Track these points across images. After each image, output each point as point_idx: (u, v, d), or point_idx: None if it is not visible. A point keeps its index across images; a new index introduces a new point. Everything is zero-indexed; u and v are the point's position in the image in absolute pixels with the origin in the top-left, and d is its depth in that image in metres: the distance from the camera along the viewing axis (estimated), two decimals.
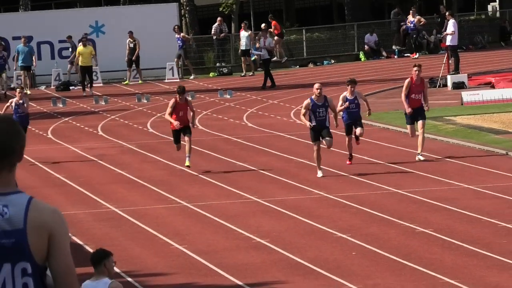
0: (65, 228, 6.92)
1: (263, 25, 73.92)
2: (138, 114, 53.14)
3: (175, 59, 65.14)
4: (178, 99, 31.33)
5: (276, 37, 73.38)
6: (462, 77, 55.91)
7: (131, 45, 64.20)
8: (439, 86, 55.71)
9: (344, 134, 33.82)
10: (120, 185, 37.77)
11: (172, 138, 32.98)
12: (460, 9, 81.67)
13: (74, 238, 28.26)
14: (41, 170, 38.42)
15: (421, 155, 33.19)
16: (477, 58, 68.55)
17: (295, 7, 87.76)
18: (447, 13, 70.05)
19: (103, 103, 56.63)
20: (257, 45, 63.64)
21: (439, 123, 46.14)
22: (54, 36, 66.16)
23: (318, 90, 29.20)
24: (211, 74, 68.73)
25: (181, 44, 65.05)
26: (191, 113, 31.66)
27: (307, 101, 29.35)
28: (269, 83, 59.53)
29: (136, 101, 57.01)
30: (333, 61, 73.51)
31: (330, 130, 31.04)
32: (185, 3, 77.67)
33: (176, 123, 32.07)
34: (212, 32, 71.36)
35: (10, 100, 35.77)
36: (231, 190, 36.41)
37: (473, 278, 23.92)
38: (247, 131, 48.29)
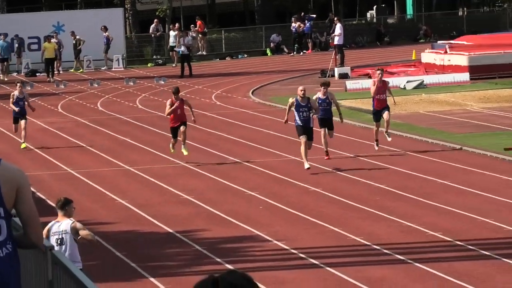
0: (28, 183, 7.49)
1: (192, 26, 74.28)
2: (90, 96, 53.05)
3: (104, 53, 65.20)
4: (173, 98, 29.56)
5: (200, 35, 74.02)
6: (346, 69, 56.58)
7: (73, 42, 64.11)
8: (328, 76, 54.52)
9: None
10: (75, 152, 37.50)
11: (171, 134, 30.28)
12: (345, 15, 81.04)
13: (38, 193, 27.84)
14: (14, 141, 38.18)
15: (387, 133, 31.55)
16: (358, 54, 69.46)
17: (217, 12, 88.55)
18: (335, 18, 70.50)
19: (63, 86, 56.56)
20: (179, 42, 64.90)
21: None
22: (25, 33, 65.83)
23: (302, 92, 27.28)
24: (149, 65, 69.42)
25: (105, 41, 64.93)
26: (190, 109, 29.76)
27: (292, 99, 27.60)
28: (187, 72, 59.98)
29: (89, 85, 56.74)
30: (246, 55, 74.55)
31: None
32: (128, 8, 77.43)
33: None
34: (150, 31, 72.11)
35: (12, 94, 34.35)
36: (163, 156, 35.79)
37: (352, 226, 24.20)
38: None
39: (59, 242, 15.57)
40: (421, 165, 34.48)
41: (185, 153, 30.56)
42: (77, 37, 65.72)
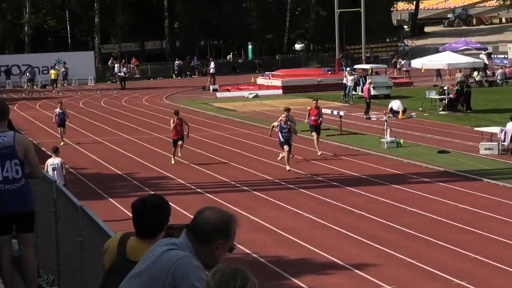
0: (32, 145, 7.97)
1: (131, 61, 71.01)
2: (76, 99, 49.65)
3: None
4: (175, 118, 24.54)
5: (136, 66, 70.13)
6: (216, 86, 53.57)
7: (63, 69, 60.58)
8: (207, 90, 53.29)
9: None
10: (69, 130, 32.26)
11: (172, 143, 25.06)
12: (216, 56, 76.83)
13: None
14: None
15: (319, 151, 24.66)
16: (222, 79, 62.79)
17: (146, 54, 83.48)
18: (210, 58, 67.07)
19: (61, 93, 53.63)
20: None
21: (205, 105, 43.69)
22: (41, 64, 62.90)
23: (285, 118, 22.35)
24: (108, 82, 64.97)
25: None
26: (186, 127, 24.79)
27: (276, 123, 22.75)
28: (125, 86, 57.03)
29: (75, 93, 53.96)
30: (161, 78, 69.26)
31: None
32: (97, 51, 73.09)
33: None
34: (109, 63, 67.63)
35: (55, 111, 29.82)
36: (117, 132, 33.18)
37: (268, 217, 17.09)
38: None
39: (53, 169, 15.75)
40: (252, 138, 31.05)
41: (179, 154, 24.62)
42: (67, 66, 61.48)
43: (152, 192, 16.56)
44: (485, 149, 24.95)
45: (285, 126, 21.92)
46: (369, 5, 69.17)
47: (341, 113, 31.20)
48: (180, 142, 23.92)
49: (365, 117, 34.72)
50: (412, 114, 34.55)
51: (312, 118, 25.93)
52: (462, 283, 11.98)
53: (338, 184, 20.86)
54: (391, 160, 24.65)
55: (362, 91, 39.19)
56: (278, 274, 12.73)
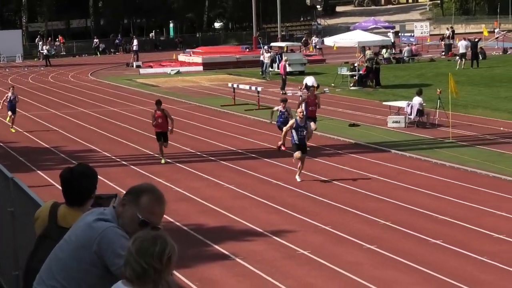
0: None
1: (57, 39, 69.92)
2: (4, 76, 48.64)
3: None
4: (156, 109, 20.04)
5: (62, 44, 69.04)
6: (139, 63, 52.82)
7: None
8: (131, 67, 52.77)
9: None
10: None
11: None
12: (139, 35, 75.60)
13: None
14: None
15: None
16: (145, 55, 62.51)
17: (71, 32, 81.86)
18: (133, 36, 66.41)
19: None
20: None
21: (129, 81, 42.84)
22: None
23: (302, 113, 17.85)
24: (35, 59, 63.33)
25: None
26: (170, 120, 20.00)
27: (292, 121, 17.90)
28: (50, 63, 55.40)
29: (4, 70, 52.43)
30: (86, 55, 68.02)
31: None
32: (24, 29, 72.57)
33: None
34: (36, 41, 66.85)
35: (6, 95, 25.75)
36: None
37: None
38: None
39: None
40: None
41: (163, 162, 19.83)
42: None
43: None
44: (393, 122, 25.13)
45: (302, 124, 17.24)
46: None
47: (259, 88, 31.11)
48: (164, 143, 19.50)
49: (281, 92, 34.54)
50: (325, 89, 34.54)
51: (310, 108, 21.97)
52: (372, 247, 12.17)
53: (257, 156, 20.80)
54: None
55: (278, 68, 39.18)
56: (200, 241, 12.73)
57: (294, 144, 17.30)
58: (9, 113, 25.12)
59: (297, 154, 17.03)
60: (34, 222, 4.64)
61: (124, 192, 3.68)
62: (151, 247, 3.01)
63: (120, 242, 3.49)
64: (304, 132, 17.26)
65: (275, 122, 21.22)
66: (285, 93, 33.88)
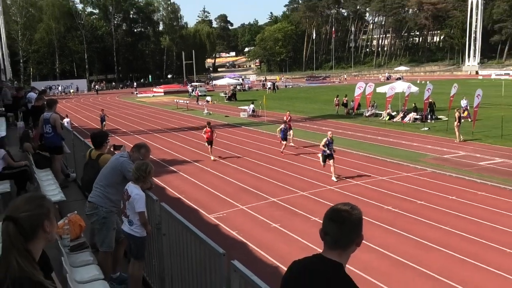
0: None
1: None
2: None
3: None
4: (207, 127, 22.97)
5: None
6: (137, 92, 71.67)
7: None
8: (133, 93, 72.67)
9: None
10: None
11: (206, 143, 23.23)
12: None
13: None
14: None
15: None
16: (141, 89, 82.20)
17: None
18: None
19: None
20: None
21: (133, 99, 57.39)
22: None
23: (331, 135, 19.02)
24: None
25: None
26: (214, 135, 22.90)
27: (325, 139, 18.80)
28: None
29: None
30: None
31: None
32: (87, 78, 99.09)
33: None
34: None
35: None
36: None
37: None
38: None
39: None
40: None
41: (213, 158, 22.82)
42: None
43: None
44: (242, 115, 33.77)
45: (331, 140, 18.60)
46: None
47: (187, 101, 43.07)
48: (211, 146, 23.18)
49: (197, 103, 49.49)
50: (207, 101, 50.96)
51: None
52: (276, 225, 13.31)
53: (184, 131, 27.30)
54: None
55: (194, 93, 60.79)
56: None
57: (324, 155, 18.68)
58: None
59: (329, 162, 18.70)
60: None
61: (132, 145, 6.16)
62: (141, 167, 5.32)
63: (130, 166, 6.01)
64: (332, 146, 18.78)
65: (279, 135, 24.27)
66: (199, 104, 48.34)
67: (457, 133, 26.30)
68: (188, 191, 16.61)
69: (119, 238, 6.82)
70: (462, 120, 27.94)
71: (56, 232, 5.02)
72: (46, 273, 2.47)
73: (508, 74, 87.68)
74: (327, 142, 18.63)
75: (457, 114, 26.83)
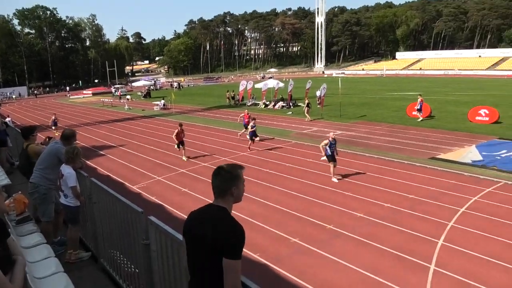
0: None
1: None
2: None
3: None
4: (179, 128, 16.93)
5: None
6: (69, 94, 68.89)
7: None
8: (67, 96, 67.75)
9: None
10: None
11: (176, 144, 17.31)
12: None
13: None
14: None
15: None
16: (73, 92, 77.29)
17: None
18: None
19: None
20: None
21: (65, 101, 53.50)
22: None
23: (333, 136, 14.10)
24: None
25: None
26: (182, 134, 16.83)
27: (326, 141, 14.06)
28: None
29: None
30: None
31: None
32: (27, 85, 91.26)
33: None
34: None
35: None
36: None
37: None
38: None
39: None
40: None
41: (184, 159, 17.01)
42: None
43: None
44: (156, 107, 34.37)
45: (334, 142, 14.03)
46: None
47: (111, 100, 41.68)
48: (182, 147, 17.12)
49: (120, 100, 46.82)
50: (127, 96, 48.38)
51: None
52: (186, 190, 12.91)
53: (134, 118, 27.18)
54: None
55: (116, 92, 57.21)
56: None
57: (328, 155, 14.02)
58: None
59: (332, 164, 13.99)
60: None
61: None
62: (70, 150, 5.35)
63: (62, 151, 5.92)
64: (334, 147, 14.01)
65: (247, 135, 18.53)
66: (121, 101, 45.24)
67: (307, 115, 27.75)
68: (115, 169, 16.02)
69: (58, 209, 6.67)
70: (315, 105, 29.75)
71: (4, 208, 4.92)
72: (2, 238, 2.26)
73: (343, 73, 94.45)
74: (328, 144, 14.41)
75: (306, 102, 28.51)
